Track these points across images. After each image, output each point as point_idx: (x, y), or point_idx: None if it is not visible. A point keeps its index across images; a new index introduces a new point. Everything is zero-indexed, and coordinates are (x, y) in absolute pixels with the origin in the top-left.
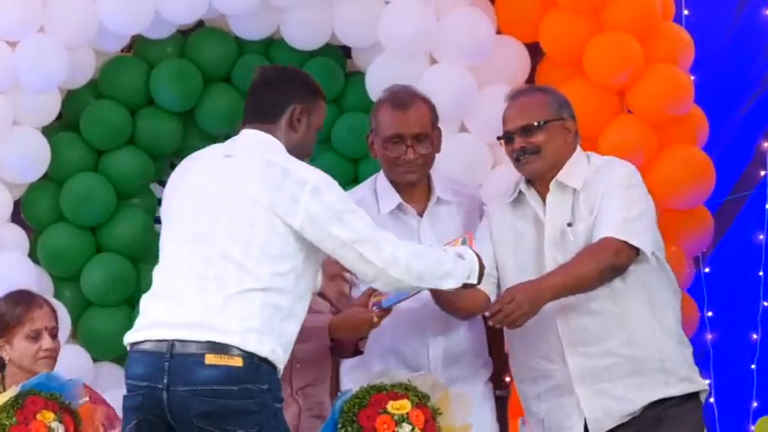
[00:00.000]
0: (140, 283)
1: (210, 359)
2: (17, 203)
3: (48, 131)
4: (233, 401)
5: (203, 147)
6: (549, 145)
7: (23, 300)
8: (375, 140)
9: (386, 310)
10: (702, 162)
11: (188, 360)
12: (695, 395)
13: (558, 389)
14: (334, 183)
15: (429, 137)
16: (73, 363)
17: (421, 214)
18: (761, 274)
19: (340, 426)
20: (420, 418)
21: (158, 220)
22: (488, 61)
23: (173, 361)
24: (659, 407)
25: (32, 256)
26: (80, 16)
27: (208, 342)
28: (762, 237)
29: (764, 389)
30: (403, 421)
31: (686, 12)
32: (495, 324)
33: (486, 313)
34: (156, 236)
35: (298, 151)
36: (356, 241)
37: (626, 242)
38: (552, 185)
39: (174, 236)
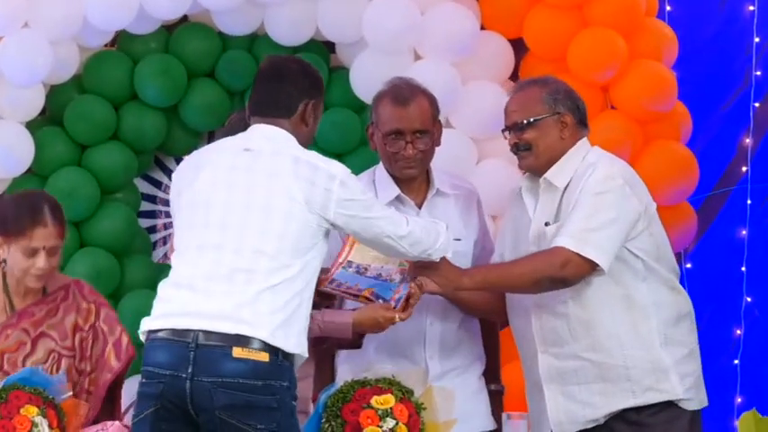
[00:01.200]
0: (124, 278)
1: (238, 352)
2: (0, 198)
3: (32, 126)
4: (256, 396)
5: (187, 142)
6: (541, 141)
7: (31, 213)
8: (375, 133)
9: (406, 311)
10: (686, 158)
11: (215, 351)
12: (672, 405)
13: (536, 386)
14: (350, 172)
15: (429, 132)
16: None
17: (419, 206)
18: (744, 269)
19: (324, 420)
20: (404, 413)
21: (142, 215)
22: (473, 57)
23: (198, 351)
24: (630, 417)
25: None
26: (64, 11)
27: (236, 335)
28: (744, 232)
29: (748, 384)
30: (387, 416)
31: (668, 8)
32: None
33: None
34: (140, 230)
35: (304, 144)
36: (378, 219)
37: (578, 254)
38: (542, 183)
39: (196, 225)
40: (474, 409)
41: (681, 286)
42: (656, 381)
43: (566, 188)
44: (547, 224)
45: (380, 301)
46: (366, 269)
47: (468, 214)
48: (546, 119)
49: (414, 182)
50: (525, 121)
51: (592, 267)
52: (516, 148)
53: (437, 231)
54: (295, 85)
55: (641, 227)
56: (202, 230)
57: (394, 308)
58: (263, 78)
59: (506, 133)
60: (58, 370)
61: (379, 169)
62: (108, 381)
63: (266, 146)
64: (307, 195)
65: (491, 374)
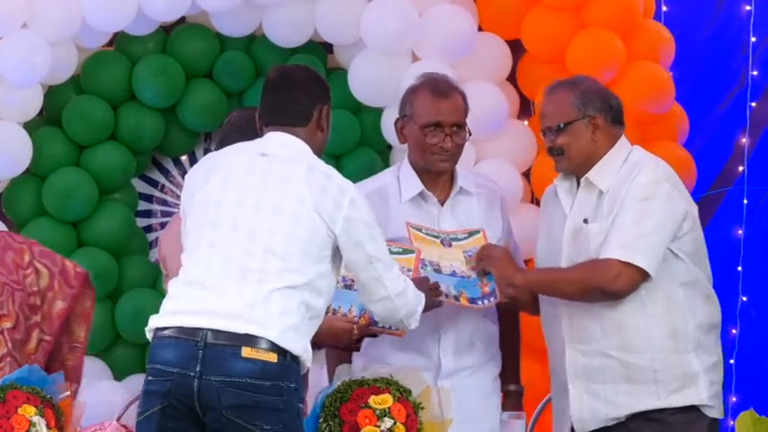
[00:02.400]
0: (122, 278)
1: (247, 352)
2: None
3: (30, 127)
4: (264, 397)
5: (185, 142)
6: (573, 146)
7: None
8: (408, 126)
9: (373, 329)
10: (683, 158)
11: (224, 350)
12: (694, 408)
13: (561, 383)
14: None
15: (464, 127)
16: None
17: (442, 203)
18: (740, 269)
19: (321, 420)
20: (402, 413)
21: (140, 215)
22: (470, 58)
23: (207, 350)
24: (650, 415)
25: None
26: (63, 13)
27: (246, 335)
28: (741, 232)
29: (743, 384)
30: (384, 416)
31: (665, 8)
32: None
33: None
34: (138, 230)
35: (320, 151)
36: (380, 260)
37: (629, 265)
38: (582, 182)
39: (208, 225)
40: (483, 411)
41: (715, 295)
42: (682, 385)
43: (609, 189)
44: (586, 221)
45: (480, 303)
46: (439, 267)
47: (491, 213)
48: (576, 123)
49: (438, 179)
50: (556, 126)
51: (643, 277)
52: (551, 152)
53: (421, 299)
54: (307, 93)
55: (686, 228)
56: (213, 230)
57: (484, 305)
58: (274, 88)
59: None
60: (13, 304)
61: (405, 165)
62: (63, 309)
63: (283, 152)
64: (317, 202)
65: (511, 374)
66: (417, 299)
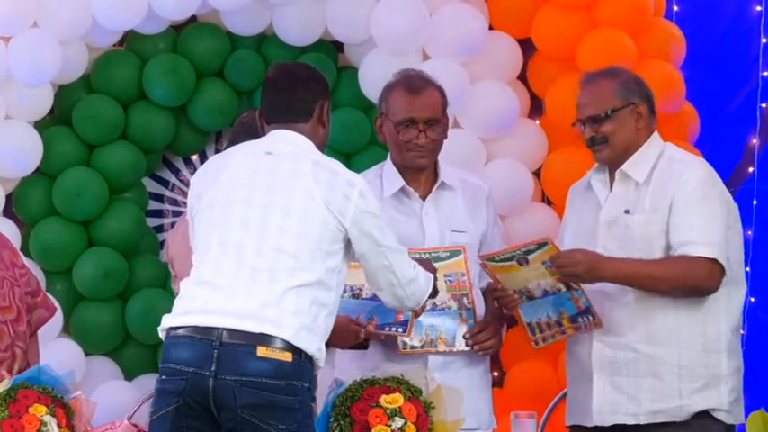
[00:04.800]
0: (132, 277)
1: (262, 351)
2: (9, 197)
3: (40, 126)
4: (279, 396)
5: (195, 142)
6: (618, 134)
7: None
8: (385, 124)
9: (379, 332)
10: None
11: (239, 350)
12: (710, 415)
13: (583, 373)
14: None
15: (440, 122)
16: (65, 356)
17: (423, 198)
18: (748, 269)
19: (332, 419)
20: (413, 412)
21: (150, 214)
22: (481, 57)
23: (222, 349)
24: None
25: (24, 250)
26: (73, 12)
27: (261, 334)
28: (750, 233)
29: (751, 385)
30: (395, 415)
31: (676, 8)
32: (557, 268)
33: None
34: (148, 230)
35: (323, 146)
36: (391, 249)
37: (716, 260)
38: (617, 175)
39: (217, 225)
40: (471, 406)
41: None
42: (705, 386)
43: (646, 182)
44: (627, 212)
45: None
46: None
47: (475, 208)
48: (621, 110)
49: (420, 174)
50: (603, 114)
51: (723, 274)
52: (592, 142)
53: (430, 280)
54: (308, 90)
55: (736, 226)
56: (223, 230)
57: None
58: (275, 86)
59: (580, 127)
60: (14, 296)
61: (387, 164)
62: (46, 319)
63: (288, 149)
64: (326, 197)
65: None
66: (428, 282)
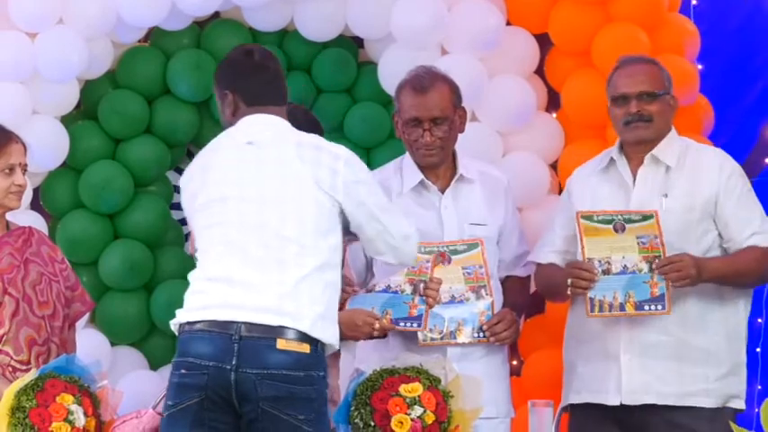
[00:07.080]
0: (157, 269)
1: (282, 344)
2: (36, 191)
3: (66, 121)
4: (298, 387)
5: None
6: (661, 116)
7: (2, 131)
8: (398, 121)
9: (394, 326)
10: None
11: (259, 343)
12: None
13: (604, 352)
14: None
15: (448, 119)
16: (91, 347)
17: (442, 191)
18: None
19: (353, 408)
20: (432, 401)
21: (175, 207)
22: (498, 51)
23: (242, 343)
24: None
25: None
26: (98, 9)
27: (279, 326)
28: None
29: None
30: (415, 404)
31: (694, 1)
32: (664, 273)
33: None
34: (173, 222)
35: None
36: (383, 210)
37: None
38: (647, 159)
39: (216, 223)
40: (490, 395)
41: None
42: (729, 372)
43: (678, 167)
44: (665, 195)
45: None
46: (609, 267)
47: (493, 200)
48: (665, 96)
49: (438, 168)
50: (656, 92)
51: None
52: (636, 117)
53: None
54: (278, 73)
55: None
56: (224, 228)
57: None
58: (255, 69)
59: (620, 103)
60: (51, 292)
61: (406, 158)
62: (83, 313)
63: (268, 135)
64: (315, 175)
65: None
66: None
